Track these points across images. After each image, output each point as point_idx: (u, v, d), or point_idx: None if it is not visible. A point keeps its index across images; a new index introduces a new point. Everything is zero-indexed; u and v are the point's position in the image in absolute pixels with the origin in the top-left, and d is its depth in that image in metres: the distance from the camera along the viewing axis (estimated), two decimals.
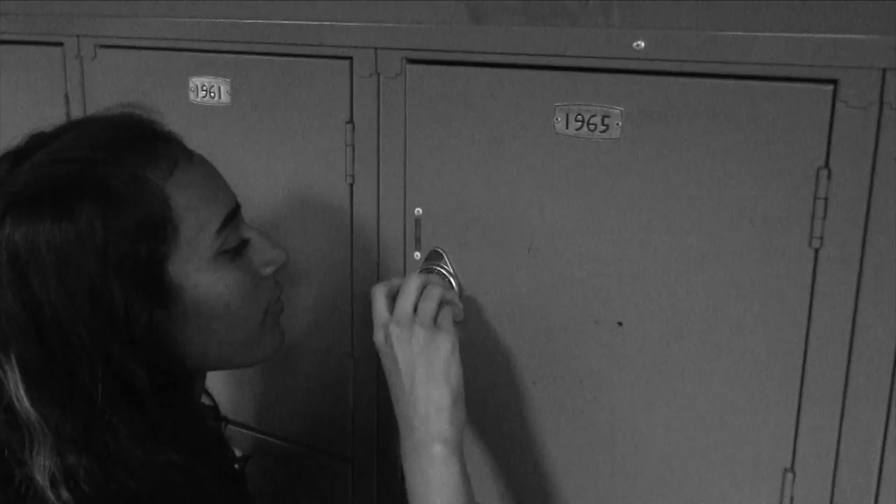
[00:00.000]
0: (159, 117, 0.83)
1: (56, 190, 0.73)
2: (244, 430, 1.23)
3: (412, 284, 0.87)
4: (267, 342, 0.87)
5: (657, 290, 0.87)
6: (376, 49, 0.98)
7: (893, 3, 0.72)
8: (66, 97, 1.29)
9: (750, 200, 0.81)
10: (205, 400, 0.96)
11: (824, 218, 0.77)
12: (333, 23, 1.01)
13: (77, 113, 1.29)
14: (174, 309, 0.77)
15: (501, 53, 0.90)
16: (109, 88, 1.23)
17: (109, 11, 1.21)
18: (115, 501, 0.72)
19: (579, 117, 0.87)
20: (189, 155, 0.82)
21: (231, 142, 1.12)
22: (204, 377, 0.92)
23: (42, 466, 0.70)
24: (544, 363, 0.96)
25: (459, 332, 0.88)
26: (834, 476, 0.82)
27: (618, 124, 0.85)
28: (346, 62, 1.01)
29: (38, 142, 0.78)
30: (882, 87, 0.73)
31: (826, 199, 0.77)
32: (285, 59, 1.06)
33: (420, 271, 1.00)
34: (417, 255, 1.01)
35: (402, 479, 0.85)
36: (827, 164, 0.76)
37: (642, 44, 0.82)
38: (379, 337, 0.87)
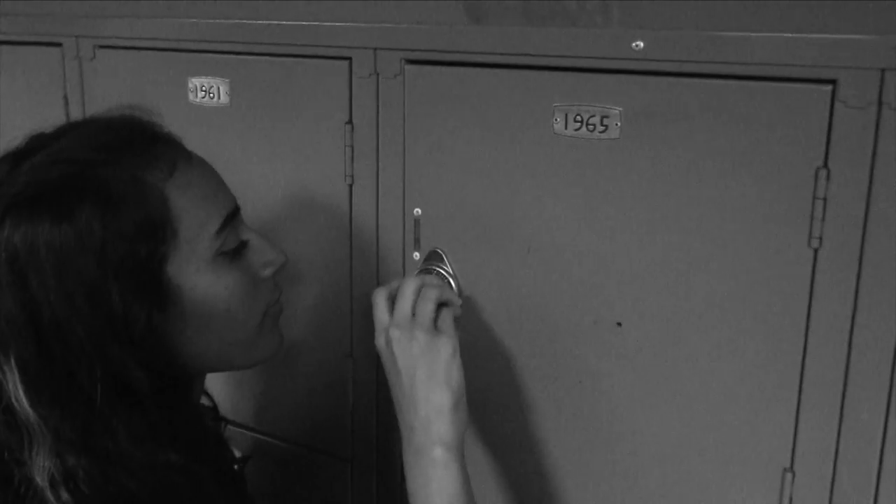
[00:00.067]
0: (159, 119, 0.83)
1: (55, 191, 0.73)
2: (244, 431, 1.23)
3: (409, 287, 0.87)
4: (266, 343, 0.87)
5: (656, 290, 0.87)
6: (375, 49, 0.98)
7: (892, 4, 0.72)
8: (65, 97, 1.29)
9: (749, 200, 0.81)
10: (204, 401, 0.96)
11: (823, 218, 0.77)
12: (332, 23, 1.01)
13: (76, 113, 1.29)
14: (173, 310, 0.77)
15: (500, 54, 0.90)
16: (108, 89, 1.23)
17: (108, 12, 1.21)
18: (115, 502, 0.72)
19: (578, 117, 0.87)
20: (188, 156, 0.82)
21: (230, 142, 1.12)
22: (203, 378, 0.92)
23: (41, 467, 0.70)
24: (544, 363, 0.96)
25: (459, 331, 0.88)
26: (833, 476, 0.82)
27: (617, 124, 0.85)
28: (345, 62, 1.01)
29: (37, 143, 0.78)
30: (881, 87, 0.73)
31: (825, 199, 0.77)
32: (284, 59, 1.06)
33: (419, 272, 1.00)
34: (417, 255, 1.01)
35: (402, 480, 0.85)
36: (826, 165, 0.76)
37: (641, 44, 0.82)
38: (380, 341, 0.87)
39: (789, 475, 0.84)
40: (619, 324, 0.90)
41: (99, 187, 0.73)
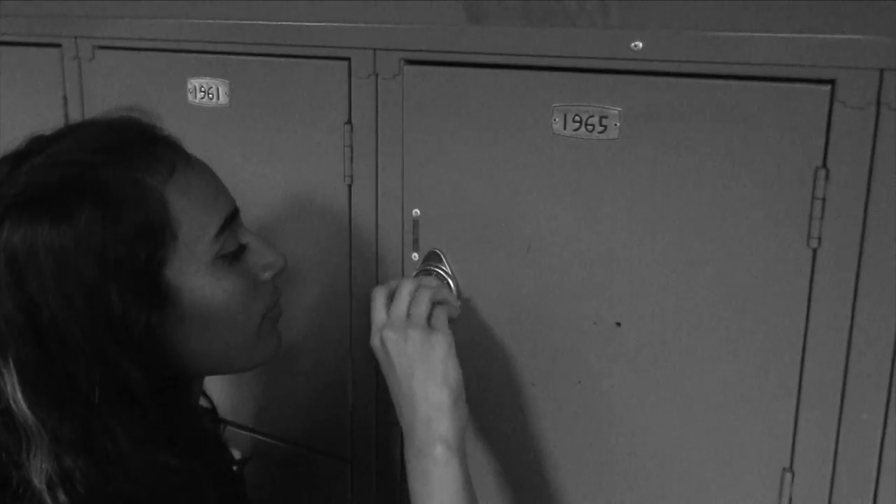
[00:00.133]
0: (158, 121, 0.83)
1: (55, 192, 0.73)
2: (243, 432, 1.23)
3: (405, 288, 0.87)
4: (264, 346, 0.87)
5: (655, 290, 0.87)
6: (374, 50, 0.98)
7: (891, 4, 0.72)
8: (65, 98, 1.29)
9: (748, 200, 0.81)
10: (202, 402, 0.96)
11: (822, 218, 0.77)
12: (331, 24, 1.01)
13: (75, 114, 1.29)
14: (171, 312, 0.77)
15: (499, 54, 0.90)
16: (108, 90, 1.23)
17: (107, 12, 1.21)
18: None
19: (577, 118, 0.87)
20: (187, 159, 0.82)
21: (229, 143, 1.12)
22: (202, 380, 0.92)
23: (39, 469, 0.70)
24: (543, 364, 0.96)
25: (457, 331, 0.88)
26: (832, 476, 0.82)
27: (616, 125, 0.85)
28: (345, 63, 1.01)
29: (37, 145, 0.78)
30: (879, 87, 0.73)
31: (824, 199, 0.77)
32: (283, 60, 1.06)
33: (418, 272, 1.00)
34: (416, 256, 1.01)
35: (402, 480, 0.85)
36: (825, 164, 0.77)
37: (640, 44, 0.82)
38: (375, 341, 0.87)
39: (789, 475, 0.84)
40: (619, 324, 0.90)
41: (99, 189, 0.73)
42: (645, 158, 0.85)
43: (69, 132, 0.80)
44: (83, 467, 0.71)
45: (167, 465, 0.74)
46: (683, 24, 0.80)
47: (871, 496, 0.81)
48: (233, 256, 0.82)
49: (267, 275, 0.86)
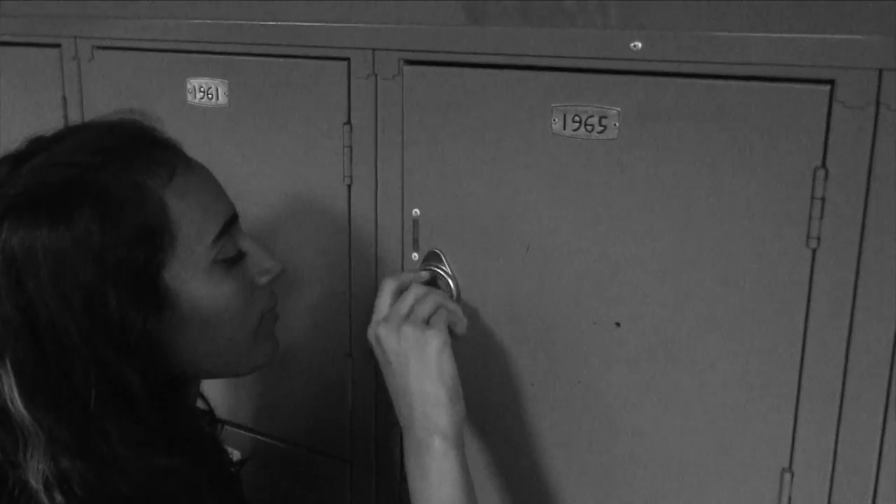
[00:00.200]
0: (158, 123, 0.83)
1: (55, 194, 0.73)
2: (242, 432, 1.23)
3: (413, 292, 0.87)
4: (261, 352, 0.87)
5: (654, 290, 0.87)
6: (374, 50, 0.98)
7: (890, 4, 0.72)
8: (64, 99, 1.29)
9: (747, 200, 0.81)
10: (200, 404, 0.96)
11: (821, 218, 0.77)
12: (331, 24, 1.01)
13: (74, 114, 1.29)
14: (169, 316, 0.77)
15: (499, 54, 0.90)
16: (107, 90, 1.23)
17: (107, 13, 1.21)
18: None
19: (576, 118, 0.87)
20: (188, 162, 0.82)
21: (228, 143, 1.12)
22: (199, 381, 0.92)
23: (35, 470, 0.71)
24: (542, 364, 0.96)
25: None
26: (832, 476, 0.82)
27: (615, 125, 0.85)
28: (344, 63, 1.01)
29: (37, 145, 0.78)
30: (878, 87, 0.73)
31: (823, 199, 0.77)
32: (283, 60, 1.06)
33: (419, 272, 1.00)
34: (415, 255, 1.01)
35: (402, 480, 0.85)
36: (824, 165, 0.77)
37: (639, 44, 0.82)
38: (371, 333, 0.88)
39: (788, 475, 0.84)
40: (618, 324, 0.90)
41: (99, 191, 0.73)
42: (644, 158, 0.85)
43: (69, 133, 0.80)
44: (80, 468, 0.71)
45: (164, 468, 0.74)
46: (683, 24, 0.80)
47: (871, 496, 0.81)
48: (231, 261, 0.82)
49: (264, 279, 0.86)
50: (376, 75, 0.98)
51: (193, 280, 0.78)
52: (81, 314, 0.71)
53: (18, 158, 0.76)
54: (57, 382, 0.72)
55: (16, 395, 0.71)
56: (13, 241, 0.71)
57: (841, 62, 0.74)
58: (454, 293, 0.98)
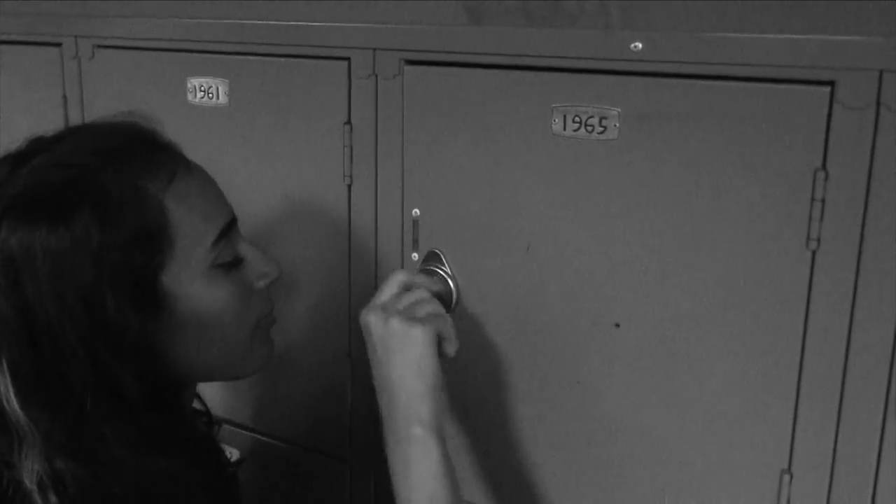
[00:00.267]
0: (159, 126, 0.83)
1: (55, 194, 0.73)
2: (242, 431, 1.23)
3: (415, 294, 0.87)
4: (257, 355, 0.87)
5: (654, 291, 0.87)
6: (374, 50, 0.98)
7: (891, 4, 0.72)
8: (64, 97, 1.29)
9: (747, 202, 0.81)
10: (196, 404, 0.96)
11: (821, 220, 0.77)
12: (331, 24, 1.01)
13: (75, 113, 1.29)
14: (166, 319, 0.77)
15: (499, 54, 0.90)
16: (107, 89, 1.23)
17: (108, 12, 1.21)
18: None
19: (577, 118, 0.87)
20: (188, 165, 0.81)
21: (229, 143, 1.12)
22: (195, 383, 0.92)
23: (30, 470, 0.70)
24: (542, 364, 0.96)
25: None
26: (831, 477, 0.82)
27: (615, 125, 0.85)
28: (345, 63, 1.01)
29: (38, 146, 0.78)
30: (879, 88, 0.73)
31: (823, 200, 0.77)
32: (283, 59, 1.06)
33: (419, 272, 0.99)
34: (415, 256, 1.01)
35: None
36: (824, 166, 0.77)
37: (640, 45, 0.82)
38: (362, 316, 0.87)
39: (787, 476, 0.84)
40: (618, 325, 0.90)
41: (98, 193, 0.73)
42: (644, 159, 0.85)
43: (70, 134, 0.80)
44: (74, 469, 0.71)
45: (160, 469, 0.74)
46: (683, 25, 0.80)
47: (870, 498, 0.81)
48: (229, 265, 0.81)
49: (262, 284, 0.86)
50: (377, 75, 0.98)
51: (191, 283, 0.78)
52: (79, 315, 0.71)
53: (18, 159, 0.76)
54: (53, 383, 0.72)
55: (11, 395, 0.71)
56: (12, 242, 0.71)
57: (841, 63, 0.74)
58: (454, 293, 0.98)
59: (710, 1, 0.79)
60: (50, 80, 1.29)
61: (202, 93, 1.12)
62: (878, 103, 0.73)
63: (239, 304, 0.82)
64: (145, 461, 0.74)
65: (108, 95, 1.23)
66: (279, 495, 1.23)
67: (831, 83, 0.75)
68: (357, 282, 1.07)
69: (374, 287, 1.06)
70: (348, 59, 1.00)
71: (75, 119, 1.29)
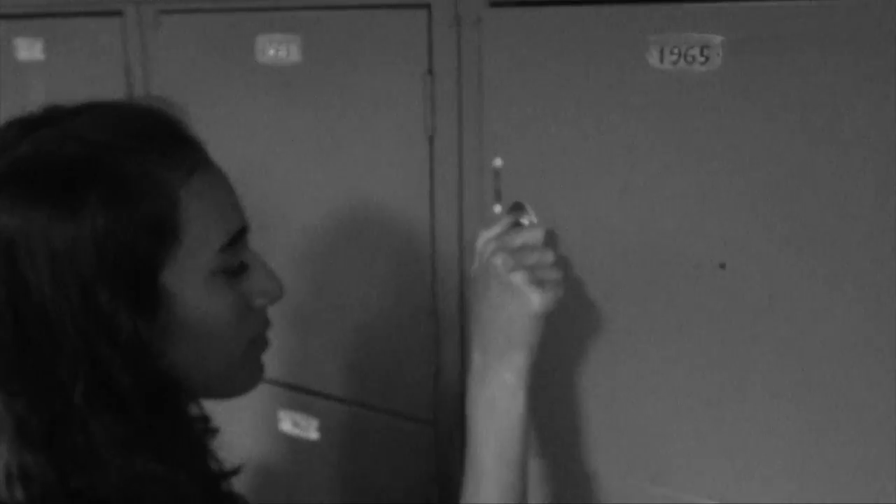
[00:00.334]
0: (186, 118, 0.78)
1: (62, 170, 0.68)
2: (321, 399, 1.22)
3: (546, 257, 0.86)
4: (245, 376, 0.83)
5: (762, 231, 0.83)
6: None
7: None
8: (127, 69, 1.27)
9: (874, 139, 0.76)
10: (194, 409, 0.91)
11: None
12: None
13: (138, 86, 1.28)
14: (162, 319, 0.72)
15: None
16: (173, 57, 1.21)
17: None
18: None
19: (675, 49, 0.84)
20: (208, 163, 0.77)
21: (303, 101, 1.09)
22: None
23: None
24: (641, 309, 0.92)
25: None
26: None
27: (718, 55, 0.82)
28: (424, 10, 0.98)
29: (53, 114, 0.72)
30: None
31: None
32: (359, 11, 1.03)
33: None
34: (498, 208, 0.98)
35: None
36: None
37: None
38: (480, 242, 0.87)
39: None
40: (723, 265, 0.87)
41: (111, 175, 0.69)
42: (752, 91, 0.81)
43: (88, 109, 0.74)
44: (42, 465, 0.68)
45: (150, 473, 0.70)
46: None
47: None
48: (232, 274, 0.77)
49: (262, 301, 0.81)
50: (459, 19, 0.96)
51: (191, 287, 0.73)
52: (76, 302, 0.67)
53: (30, 124, 0.71)
54: (38, 369, 0.68)
55: None
56: (9, 218, 0.67)
57: None
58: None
59: None
60: (111, 52, 1.28)
61: (274, 51, 1.10)
62: None
63: (235, 316, 0.77)
64: (133, 462, 0.70)
65: (175, 65, 1.21)
66: (364, 461, 1.21)
67: None
68: (440, 238, 1.05)
69: (458, 241, 1.04)
70: (428, 5, 0.98)
71: (140, 93, 1.27)
